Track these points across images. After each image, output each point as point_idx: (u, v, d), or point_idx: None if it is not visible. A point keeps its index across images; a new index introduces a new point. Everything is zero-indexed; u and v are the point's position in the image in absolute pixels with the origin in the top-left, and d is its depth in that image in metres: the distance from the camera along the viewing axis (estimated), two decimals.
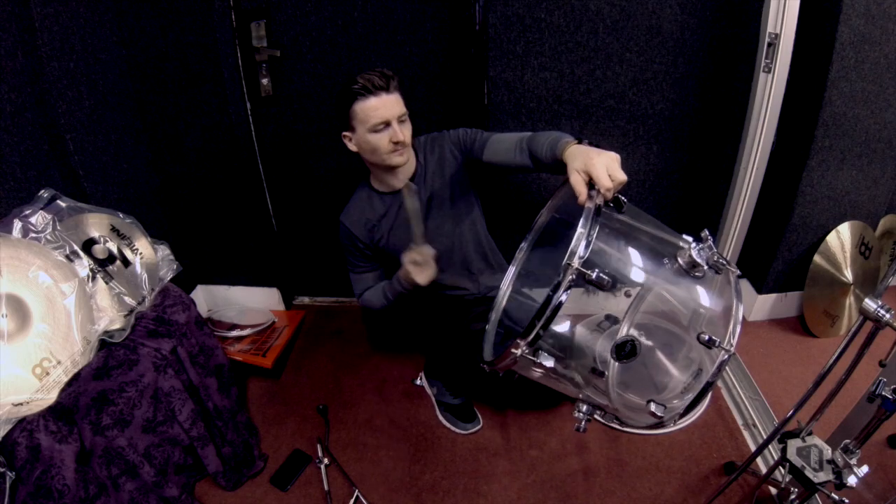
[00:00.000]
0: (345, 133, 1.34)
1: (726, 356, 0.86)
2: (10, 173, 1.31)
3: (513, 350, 0.90)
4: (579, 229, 0.83)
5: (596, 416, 1.05)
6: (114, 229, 1.37)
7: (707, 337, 0.87)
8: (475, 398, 1.74)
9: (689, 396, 0.91)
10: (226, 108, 1.73)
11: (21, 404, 1.02)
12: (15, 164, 1.33)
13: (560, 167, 1.06)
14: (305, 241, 2.11)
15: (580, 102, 1.70)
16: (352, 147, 1.35)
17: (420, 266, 1.29)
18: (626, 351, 0.92)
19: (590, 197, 0.90)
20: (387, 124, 1.26)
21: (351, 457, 1.59)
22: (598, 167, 0.91)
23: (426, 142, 1.43)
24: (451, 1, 1.60)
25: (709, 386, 0.88)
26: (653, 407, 0.91)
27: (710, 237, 0.93)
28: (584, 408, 1.01)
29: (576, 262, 0.81)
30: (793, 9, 1.39)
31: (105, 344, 1.23)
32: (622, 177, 0.92)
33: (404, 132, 1.29)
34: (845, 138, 1.71)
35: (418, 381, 1.84)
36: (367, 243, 1.44)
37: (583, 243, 0.82)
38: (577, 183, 0.94)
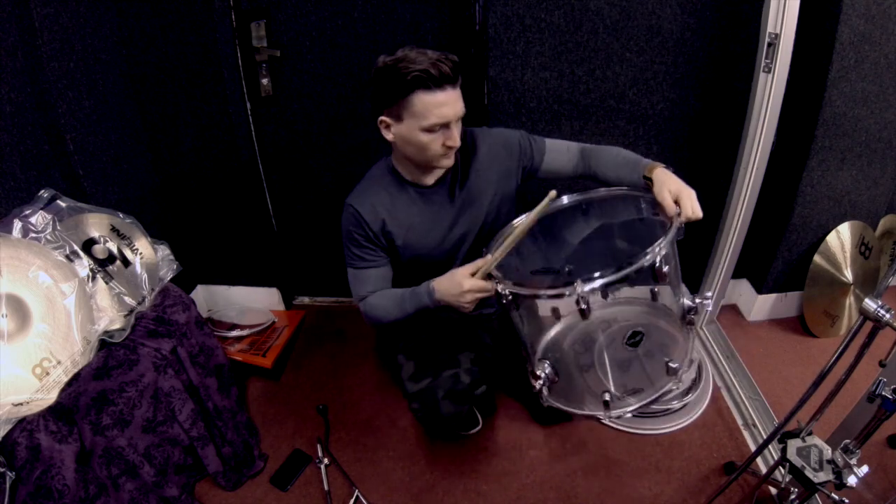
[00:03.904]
0: (383, 119, 1.11)
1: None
2: (10, 173, 1.31)
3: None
4: (669, 234, 0.96)
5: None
6: (114, 229, 1.37)
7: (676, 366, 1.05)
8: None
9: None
10: (226, 108, 1.73)
11: (21, 404, 1.02)
12: (15, 164, 1.33)
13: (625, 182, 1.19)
14: (305, 241, 2.11)
15: (580, 102, 1.70)
16: (388, 136, 1.13)
17: (479, 297, 1.11)
18: (635, 340, 1.05)
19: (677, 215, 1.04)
20: (445, 125, 1.09)
21: (351, 457, 1.59)
22: (691, 197, 1.04)
23: (465, 137, 1.24)
24: (451, 1, 1.60)
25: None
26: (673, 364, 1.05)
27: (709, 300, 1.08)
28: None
29: (658, 258, 0.92)
30: (793, 9, 1.38)
31: (105, 344, 1.23)
32: (701, 213, 1.04)
33: (459, 134, 1.12)
34: (845, 138, 1.71)
35: None
36: (377, 233, 1.23)
37: (665, 244, 0.94)
38: (668, 200, 1.04)
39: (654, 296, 1.13)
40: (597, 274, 0.92)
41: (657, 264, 0.92)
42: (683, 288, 1.12)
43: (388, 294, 1.27)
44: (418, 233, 1.26)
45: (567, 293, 0.92)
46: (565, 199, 1.24)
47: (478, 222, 1.29)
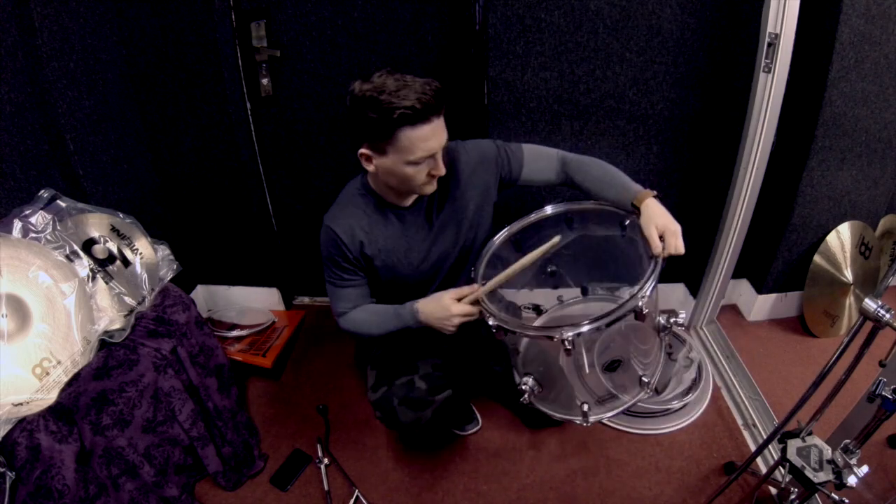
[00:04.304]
0: (364, 152, 1.07)
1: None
2: (10, 173, 1.31)
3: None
4: (652, 277, 0.99)
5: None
6: (114, 229, 1.37)
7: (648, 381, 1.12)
8: (474, 398, 1.74)
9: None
10: (226, 108, 1.73)
11: (21, 404, 1.02)
12: (15, 164, 1.33)
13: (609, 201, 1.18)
14: (305, 241, 2.11)
15: (580, 102, 1.70)
16: (369, 167, 1.10)
17: (465, 321, 1.14)
18: (613, 367, 1.13)
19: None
20: (431, 156, 1.06)
21: (351, 457, 1.59)
22: (676, 235, 1.05)
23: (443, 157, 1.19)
24: (451, 1, 1.60)
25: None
26: (645, 379, 1.10)
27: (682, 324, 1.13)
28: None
29: (641, 301, 0.95)
30: (793, 9, 1.38)
31: (105, 344, 1.23)
32: (683, 251, 1.05)
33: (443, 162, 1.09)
34: (845, 138, 1.71)
35: None
36: (357, 255, 1.21)
37: (651, 286, 0.98)
38: (654, 237, 1.05)
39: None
40: (583, 322, 0.97)
41: (639, 306, 0.96)
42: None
43: (369, 310, 1.26)
44: (397, 255, 1.24)
45: (555, 336, 0.97)
46: (549, 210, 1.26)
47: (458, 242, 1.27)
